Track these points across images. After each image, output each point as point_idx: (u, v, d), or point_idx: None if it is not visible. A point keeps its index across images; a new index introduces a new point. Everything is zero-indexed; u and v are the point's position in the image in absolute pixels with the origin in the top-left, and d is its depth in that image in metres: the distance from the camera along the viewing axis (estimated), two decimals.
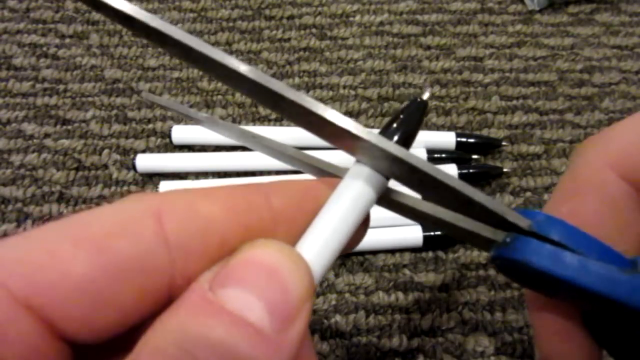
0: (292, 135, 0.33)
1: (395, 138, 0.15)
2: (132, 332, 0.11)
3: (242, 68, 0.12)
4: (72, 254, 0.11)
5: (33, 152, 0.34)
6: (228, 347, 0.10)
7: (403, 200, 0.15)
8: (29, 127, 0.35)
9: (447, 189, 0.13)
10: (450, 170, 0.32)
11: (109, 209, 0.12)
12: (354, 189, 0.13)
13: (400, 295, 0.29)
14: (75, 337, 0.11)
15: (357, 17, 0.41)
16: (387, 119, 0.35)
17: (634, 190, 0.15)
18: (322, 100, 0.36)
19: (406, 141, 0.15)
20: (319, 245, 0.13)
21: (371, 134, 0.12)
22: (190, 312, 0.11)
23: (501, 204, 0.14)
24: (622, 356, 0.16)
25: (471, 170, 0.32)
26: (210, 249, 0.12)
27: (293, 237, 0.13)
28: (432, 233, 0.30)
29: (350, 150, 0.14)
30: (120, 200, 0.12)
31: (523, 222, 0.14)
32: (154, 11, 0.41)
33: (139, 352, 0.10)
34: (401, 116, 0.15)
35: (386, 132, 0.15)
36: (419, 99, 0.16)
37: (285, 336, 0.11)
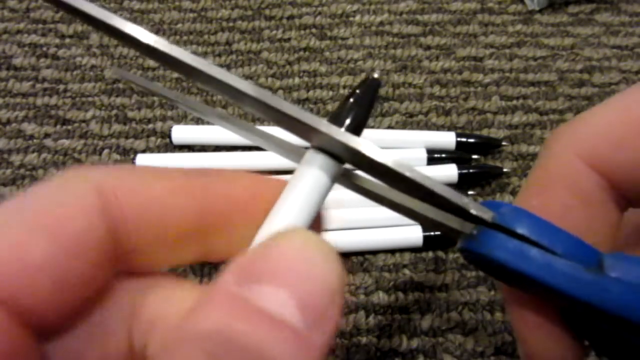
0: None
1: (347, 123, 0.14)
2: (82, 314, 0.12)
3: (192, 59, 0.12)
4: (32, 242, 0.11)
5: (33, 152, 0.34)
6: (264, 351, 0.09)
7: (371, 188, 0.14)
8: (29, 127, 0.35)
9: (403, 179, 0.12)
10: (450, 170, 0.32)
11: (53, 189, 0.12)
12: (309, 177, 0.13)
13: (400, 295, 0.29)
14: (42, 321, 0.11)
15: (357, 17, 0.41)
16: (339, 102, 0.35)
17: (604, 180, 0.14)
18: (322, 100, 0.36)
19: (357, 127, 0.14)
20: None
21: (319, 121, 0.12)
22: (221, 314, 0.10)
23: (463, 195, 0.13)
24: (601, 349, 0.15)
25: (471, 170, 0.32)
26: (162, 225, 0.12)
27: (250, 224, 0.13)
28: (432, 233, 0.30)
29: (305, 137, 0.13)
30: (59, 176, 0.12)
31: (486, 215, 0.13)
32: (154, 11, 0.41)
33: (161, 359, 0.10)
34: (351, 99, 0.14)
35: (336, 118, 0.14)
36: (370, 78, 0.15)
37: (319, 333, 0.10)
